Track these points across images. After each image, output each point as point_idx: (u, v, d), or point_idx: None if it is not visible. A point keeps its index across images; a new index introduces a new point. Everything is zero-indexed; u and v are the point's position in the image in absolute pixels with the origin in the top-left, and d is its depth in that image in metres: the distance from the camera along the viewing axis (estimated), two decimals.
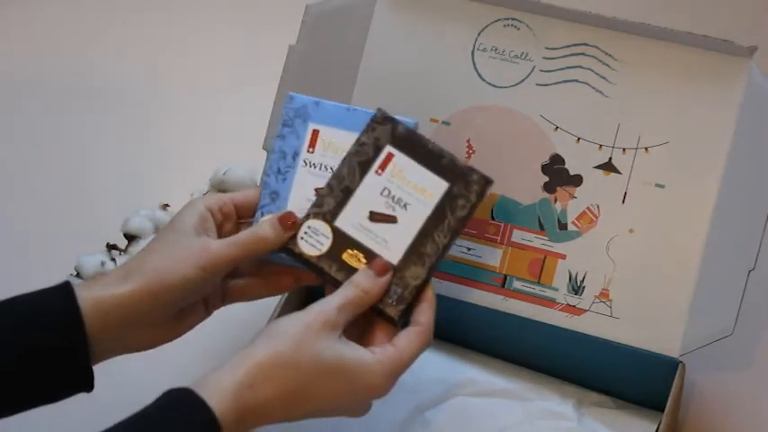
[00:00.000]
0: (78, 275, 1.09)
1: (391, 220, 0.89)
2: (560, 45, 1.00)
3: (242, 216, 0.91)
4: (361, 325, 0.86)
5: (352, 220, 0.88)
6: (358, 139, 0.91)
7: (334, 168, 0.90)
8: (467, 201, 0.89)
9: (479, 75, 1.01)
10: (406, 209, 0.89)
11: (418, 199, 0.89)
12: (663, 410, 0.92)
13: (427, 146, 0.90)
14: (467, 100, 1.01)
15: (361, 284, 0.85)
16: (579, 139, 0.99)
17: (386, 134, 0.91)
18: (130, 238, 1.13)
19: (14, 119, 1.30)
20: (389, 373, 0.82)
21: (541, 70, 1.00)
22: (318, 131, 0.93)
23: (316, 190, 0.91)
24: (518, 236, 0.99)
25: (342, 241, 0.88)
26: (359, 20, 1.03)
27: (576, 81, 0.99)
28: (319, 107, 0.93)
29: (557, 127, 0.99)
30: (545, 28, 1.00)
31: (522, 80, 1.00)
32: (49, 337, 0.80)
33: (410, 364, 0.84)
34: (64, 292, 0.81)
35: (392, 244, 0.88)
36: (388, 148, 0.90)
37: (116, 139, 1.27)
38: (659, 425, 0.92)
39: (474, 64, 1.01)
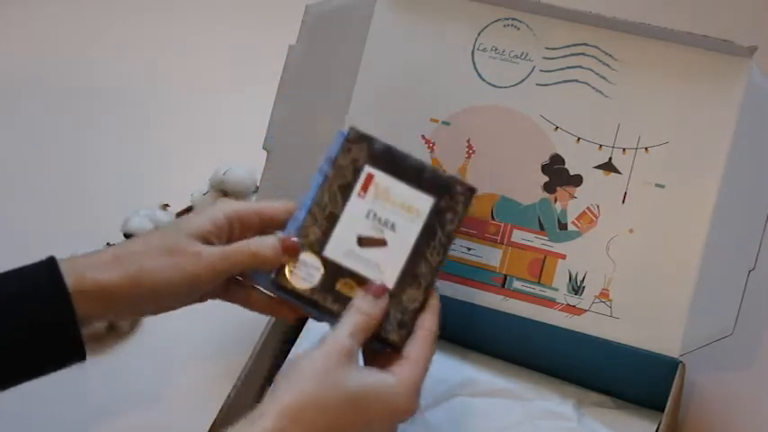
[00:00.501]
0: None
1: (380, 243, 0.86)
2: (560, 45, 1.00)
3: (266, 228, 0.89)
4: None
5: (340, 247, 0.86)
6: (334, 161, 0.88)
7: (316, 197, 0.87)
8: (454, 214, 0.87)
9: (479, 75, 1.01)
10: (394, 230, 0.86)
11: (405, 218, 0.87)
12: (663, 410, 0.92)
13: (407, 160, 0.88)
14: (467, 100, 1.01)
15: (362, 309, 0.83)
16: (579, 139, 0.99)
17: (362, 153, 0.88)
18: (130, 237, 1.12)
19: (14, 119, 1.30)
20: (413, 389, 0.81)
21: (541, 70, 1.00)
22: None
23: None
24: (518, 236, 0.99)
25: (334, 271, 0.85)
26: (359, 20, 1.03)
27: (576, 81, 0.99)
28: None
29: (557, 127, 0.99)
30: (545, 28, 1.00)
31: (522, 80, 1.00)
32: (38, 312, 0.79)
33: (426, 372, 0.83)
34: (50, 270, 0.81)
35: (385, 268, 0.86)
36: (367, 169, 0.88)
37: (116, 139, 1.27)
38: (659, 425, 0.92)
39: (474, 64, 1.01)
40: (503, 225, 0.99)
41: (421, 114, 1.02)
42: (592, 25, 0.99)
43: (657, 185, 0.97)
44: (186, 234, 0.84)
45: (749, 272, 0.92)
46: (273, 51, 1.05)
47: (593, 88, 0.99)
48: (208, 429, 0.91)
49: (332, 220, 0.87)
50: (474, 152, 1.01)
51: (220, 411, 0.92)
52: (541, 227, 0.99)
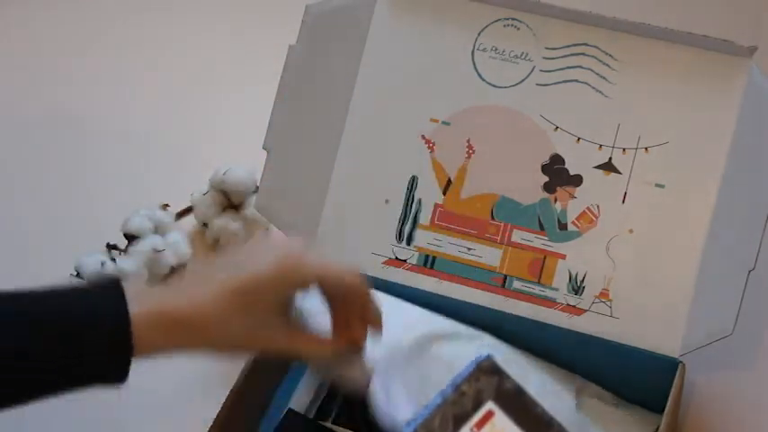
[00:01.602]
0: (78, 275, 1.09)
1: None
2: (560, 45, 1.00)
3: (328, 291, 0.87)
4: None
5: None
6: (458, 387, 0.82)
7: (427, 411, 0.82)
8: None
9: (479, 75, 1.01)
10: None
11: None
12: (663, 410, 0.92)
13: (535, 410, 0.82)
14: (467, 100, 1.01)
15: None
16: (579, 139, 0.99)
17: (490, 387, 0.82)
18: (130, 238, 1.13)
19: (14, 119, 1.30)
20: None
21: (541, 70, 1.00)
22: (494, 414, 0.83)
23: None
24: (518, 236, 0.99)
25: None
26: (359, 20, 1.03)
27: (576, 81, 0.99)
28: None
29: (557, 127, 0.99)
30: (545, 28, 1.00)
31: (522, 80, 1.00)
32: (97, 342, 0.78)
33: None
34: (117, 316, 0.79)
35: None
36: (490, 405, 0.82)
37: (116, 139, 1.27)
38: (659, 425, 0.92)
39: (474, 64, 1.01)
40: (503, 225, 0.99)
41: (421, 114, 1.02)
42: (592, 25, 0.99)
43: (657, 185, 0.97)
44: (273, 311, 0.83)
45: (749, 272, 0.92)
46: (273, 51, 1.05)
47: (593, 88, 0.99)
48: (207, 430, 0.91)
49: None
50: (474, 152, 1.01)
51: (219, 412, 0.92)
52: (541, 227, 0.99)
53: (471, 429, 0.81)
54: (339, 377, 0.86)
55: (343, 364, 0.86)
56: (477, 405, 0.82)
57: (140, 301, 0.79)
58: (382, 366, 0.92)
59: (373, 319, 0.87)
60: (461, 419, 0.81)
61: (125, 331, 0.77)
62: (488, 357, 0.84)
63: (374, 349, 0.87)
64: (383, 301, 0.87)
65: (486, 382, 0.83)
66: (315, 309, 0.87)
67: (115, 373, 0.78)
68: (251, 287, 0.82)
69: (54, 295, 0.79)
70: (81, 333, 0.77)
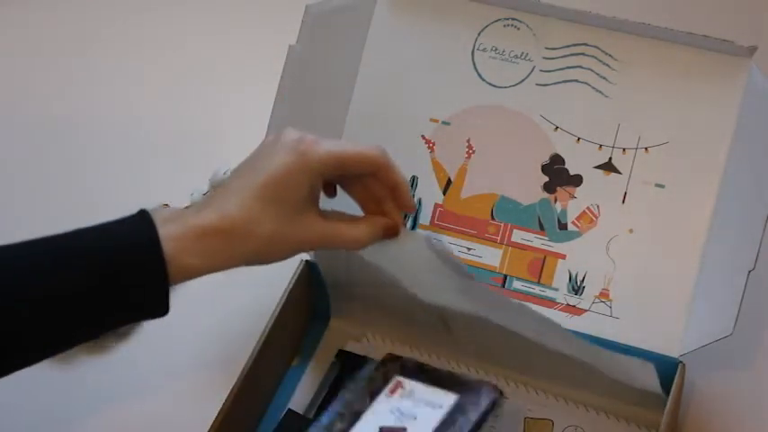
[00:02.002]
0: None
1: (400, 431, 0.87)
2: (560, 45, 1.00)
3: (350, 172, 0.88)
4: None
5: None
6: (367, 376, 0.91)
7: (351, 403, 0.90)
8: (476, 408, 0.88)
9: (479, 75, 1.01)
10: (415, 419, 0.88)
11: (428, 411, 0.88)
12: (663, 410, 0.92)
13: (438, 371, 0.91)
14: (467, 100, 1.01)
15: None
16: (579, 139, 0.99)
17: (395, 368, 0.92)
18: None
19: (15, 119, 1.30)
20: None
21: (541, 70, 1.00)
22: (401, 382, 0.92)
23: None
24: (518, 236, 0.99)
25: None
26: (359, 20, 1.03)
27: (576, 81, 0.99)
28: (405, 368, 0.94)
29: (557, 127, 0.99)
30: (545, 28, 1.00)
31: (522, 80, 1.00)
32: (132, 275, 0.78)
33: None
34: (148, 242, 0.79)
35: None
36: (397, 378, 0.91)
37: (116, 138, 1.27)
38: (659, 425, 0.92)
39: (474, 64, 1.01)
40: (503, 225, 0.99)
41: (421, 114, 1.02)
42: (592, 25, 0.99)
43: (657, 185, 0.97)
44: (297, 207, 0.84)
45: (749, 272, 0.92)
46: (273, 51, 1.05)
47: (593, 88, 0.99)
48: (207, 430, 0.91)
49: (357, 415, 0.88)
50: (474, 152, 1.01)
51: (219, 412, 0.92)
52: (541, 227, 0.99)
53: (386, 394, 0.90)
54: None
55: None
56: (386, 381, 0.91)
57: (168, 224, 0.79)
58: None
59: (403, 195, 0.89)
60: (376, 392, 0.90)
61: (157, 253, 0.78)
62: (388, 354, 0.93)
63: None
64: None
65: (392, 366, 0.92)
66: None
67: (155, 299, 0.79)
68: (271, 181, 0.83)
69: (81, 232, 0.79)
70: (112, 262, 0.77)
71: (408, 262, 0.91)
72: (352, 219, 0.89)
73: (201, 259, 0.80)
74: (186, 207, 0.84)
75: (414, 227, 1.01)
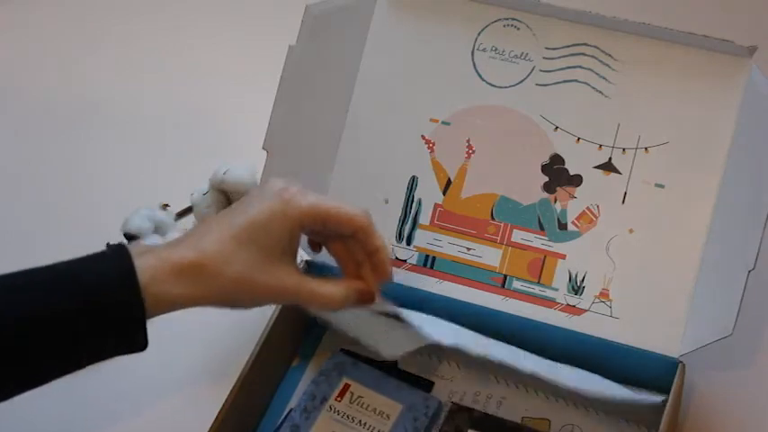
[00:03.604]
0: None
1: None
2: (560, 45, 1.00)
3: (331, 229, 0.87)
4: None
5: None
6: (315, 379, 0.98)
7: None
8: (423, 418, 0.95)
9: (479, 75, 1.01)
10: (364, 427, 0.94)
11: (376, 419, 0.92)
12: (663, 411, 0.92)
13: (385, 375, 0.96)
14: (467, 100, 1.01)
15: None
16: (579, 139, 0.99)
17: (343, 366, 0.97)
18: (130, 238, 1.12)
19: (15, 119, 1.30)
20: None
21: (541, 70, 1.00)
22: (350, 385, 0.98)
23: None
24: (518, 236, 0.99)
25: None
26: (359, 20, 1.03)
27: (576, 81, 0.99)
28: (356, 367, 0.99)
29: (557, 127, 0.99)
30: (545, 28, 1.00)
31: (522, 80, 1.00)
32: (108, 311, 0.77)
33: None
34: (123, 270, 0.78)
35: None
36: (345, 379, 0.96)
37: (116, 138, 1.27)
38: (659, 425, 0.92)
39: (474, 64, 1.01)
40: (503, 225, 0.99)
41: (421, 114, 1.02)
42: (592, 25, 0.99)
43: (657, 185, 0.97)
44: (274, 255, 0.83)
45: (749, 272, 0.92)
46: (273, 51, 1.05)
47: (593, 88, 0.99)
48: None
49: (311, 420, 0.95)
50: (474, 152, 1.01)
51: (219, 412, 0.92)
52: (541, 227, 0.99)
53: (334, 399, 0.95)
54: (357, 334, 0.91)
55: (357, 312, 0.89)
56: (334, 385, 0.97)
57: (145, 258, 0.79)
58: None
59: (381, 260, 0.87)
60: (324, 399, 0.96)
61: (133, 286, 0.77)
62: (341, 349, 0.98)
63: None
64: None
65: (340, 365, 0.98)
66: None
67: (131, 334, 0.78)
68: (249, 224, 0.82)
69: (58, 265, 0.79)
70: (90, 296, 0.77)
71: (364, 324, 0.92)
72: (327, 278, 0.87)
73: (175, 290, 0.79)
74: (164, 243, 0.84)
75: (413, 227, 1.01)
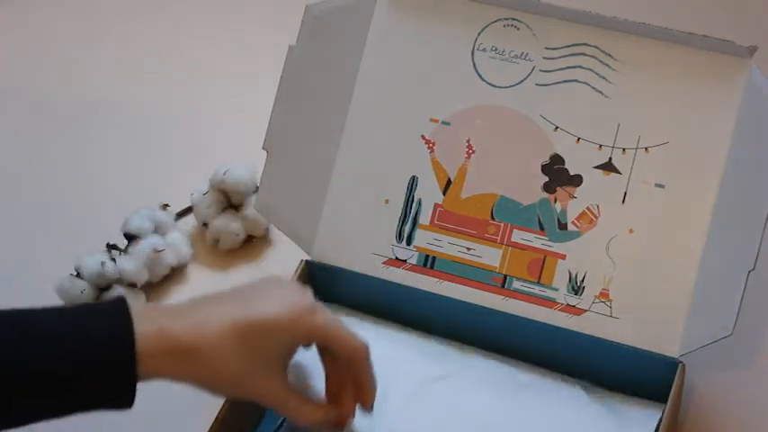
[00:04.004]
0: (78, 275, 1.09)
1: None
2: (560, 45, 1.00)
3: (330, 351, 0.86)
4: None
5: None
6: None
7: None
8: None
9: (479, 75, 1.01)
10: None
11: None
12: (663, 411, 0.92)
13: None
14: (467, 100, 1.01)
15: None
16: (579, 139, 0.99)
17: None
18: (130, 238, 1.13)
19: (15, 119, 1.30)
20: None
21: (541, 70, 1.00)
22: None
23: None
24: (518, 236, 0.99)
25: None
26: (359, 20, 1.03)
27: (576, 81, 0.99)
28: None
29: (557, 127, 0.99)
30: (545, 28, 1.00)
31: (522, 80, 1.00)
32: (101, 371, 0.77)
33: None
34: (121, 335, 0.78)
35: None
36: None
37: (116, 138, 1.27)
38: (659, 425, 0.92)
39: (474, 64, 1.01)
40: (503, 225, 0.99)
41: (421, 114, 1.02)
42: (592, 25, 0.99)
43: (657, 185, 0.97)
44: (270, 364, 0.83)
45: (749, 272, 0.92)
46: (273, 51, 1.05)
47: (593, 88, 0.99)
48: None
49: None
50: (474, 152, 1.01)
51: (219, 412, 0.92)
52: (541, 227, 0.99)
53: None
54: None
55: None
56: None
57: (145, 324, 0.78)
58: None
59: (366, 394, 0.87)
60: None
61: (130, 353, 0.77)
62: None
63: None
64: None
65: None
66: (309, 371, 0.88)
67: (120, 394, 0.78)
68: (257, 326, 0.81)
69: (58, 314, 0.78)
70: (86, 353, 0.76)
71: None
72: (308, 399, 0.87)
73: (167, 368, 0.79)
74: (164, 306, 0.83)
75: (413, 227, 1.01)
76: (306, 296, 0.84)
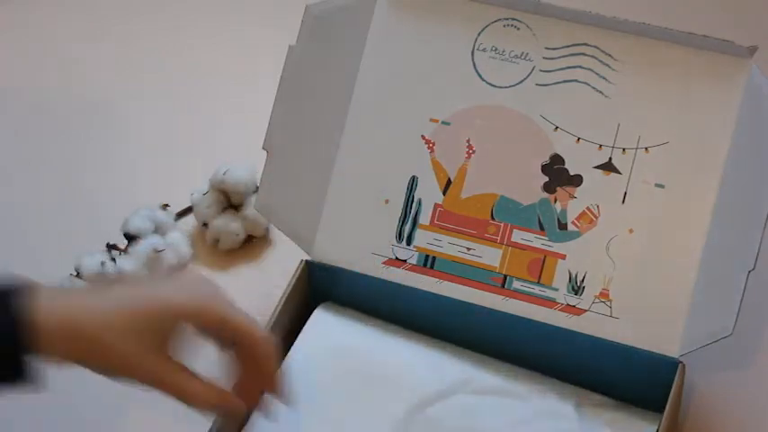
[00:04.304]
0: (78, 276, 1.09)
1: None
2: (560, 45, 1.00)
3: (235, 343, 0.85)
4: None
5: None
6: None
7: None
8: None
9: (479, 75, 1.01)
10: None
11: None
12: (663, 411, 0.92)
13: None
14: (467, 100, 1.01)
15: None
16: (579, 139, 0.99)
17: None
18: (130, 238, 1.13)
19: (15, 119, 1.30)
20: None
21: (541, 70, 1.00)
22: None
23: None
24: (518, 236, 0.99)
25: None
26: (359, 20, 1.03)
27: (576, 81, 0.99)
28: None
29: (557, 127, 0.99)
30: (545, 28, 1.00)
31: (522, 80, 1.00)
32: None
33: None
34: (21, 304, 0.78)
35: None
36: None
37: (116, 138, 1.27)
38: (659, 425, 0.92)
39: (474, 64, 1.01)
40: (503, 225, 0.99)
41: (421, 114, 1.02)
42: (592, 25, 0.99)
43: (657, 185, 0.97)
44: (146, 345, 0.81)
45: (749, 272, 0.92)
46: (273, 51, 1.05)
47: (593, 88, 0.99)
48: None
49: None
50: (474, 152, 1.01)
51: (216, 419, 0.92)
52: (541, 227, 0.99)
53: None
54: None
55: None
56: None
57: (46, 305, 0.78)
58: None
59: (270, 385, 0.87)
60: None
61: (21, 330, 0.77)
62: None
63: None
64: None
65: None
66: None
67: (14, 371, 0.77)
68: (157, 308, 0.81)
69: None
70: None
71: None
72: (197, 375, 0.84)
73: (64, 349, 0.78)
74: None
75: (413, 227, 1.01)
76: (213, 287, 0.84)
